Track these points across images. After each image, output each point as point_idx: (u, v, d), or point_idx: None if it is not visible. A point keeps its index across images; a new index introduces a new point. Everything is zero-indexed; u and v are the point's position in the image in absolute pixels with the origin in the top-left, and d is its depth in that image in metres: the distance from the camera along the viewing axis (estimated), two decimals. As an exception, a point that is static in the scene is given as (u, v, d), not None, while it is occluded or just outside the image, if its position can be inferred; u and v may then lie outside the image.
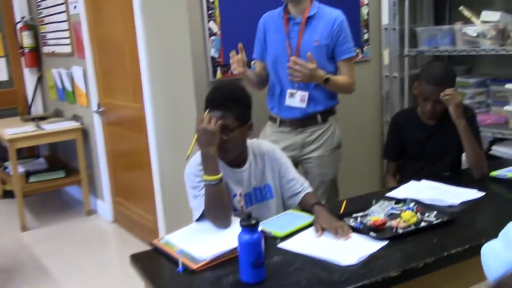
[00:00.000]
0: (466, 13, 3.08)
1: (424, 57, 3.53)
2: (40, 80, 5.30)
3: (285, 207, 2.09)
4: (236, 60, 2.39)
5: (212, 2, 2.75)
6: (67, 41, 4.43)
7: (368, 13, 3.37)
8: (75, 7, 4.15)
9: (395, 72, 3.44)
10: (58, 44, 4.64)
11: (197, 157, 1.96)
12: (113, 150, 4.08)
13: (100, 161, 4.21)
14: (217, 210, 1.83)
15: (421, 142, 2.43)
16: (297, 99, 2.48)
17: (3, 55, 5.29)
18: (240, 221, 1.48)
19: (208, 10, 2.75)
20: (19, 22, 5.13)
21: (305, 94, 2.47)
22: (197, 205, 1.90)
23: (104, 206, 4.34)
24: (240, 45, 2.42)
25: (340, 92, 2.57)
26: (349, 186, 2.89)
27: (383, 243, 1.64)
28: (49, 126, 4.35)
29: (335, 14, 2.46)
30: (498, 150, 3.03)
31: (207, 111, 1.89)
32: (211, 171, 1.82)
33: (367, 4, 3.36)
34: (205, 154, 1.84)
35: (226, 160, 1.99)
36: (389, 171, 2.56)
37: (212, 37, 2.79)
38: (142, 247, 3.68)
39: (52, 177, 4.49)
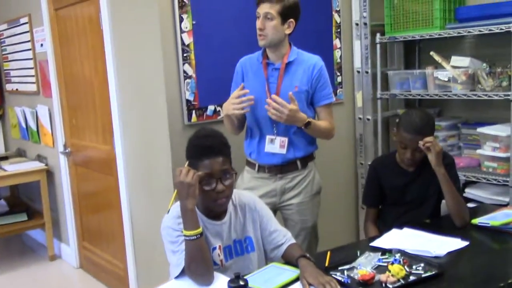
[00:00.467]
0: (437, 58, 3.15)
1: (396, 100, 3.58)
2: (1, 118, 5.11)
3: (268, 259, 2.02)
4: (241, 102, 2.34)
5: (187, 45, 2.72)
6: (33, 79, 4.30)
7: (341, 57, 3.41)
8: (41, 45, 4.05)
9: (368, 114, 3.46)
10: (23, 82, 4.51)
11: (174, 210, 1.89)
12: (79, 192, 3.93)
13: (66, 203, 4.05)
14: (198, 266, 1.75)
15: (400, 189, 2.41)
16: (276, 145, 2.44)
17: (-37, 92, 5.09)
18: (229, 282, 1.40)
19: (183, 53, 2.71)
20: (-19, 58, 4.98)
21: (285, 139, 2.43)
22: (176, 261, 1.81)
23: (69, 250, 4.14)
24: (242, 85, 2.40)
25: (319, 137, 2.54)
26: (325, 229, 2.84)
27: (375, 300, 1.59)
28: (11, 167, 4.17)
29: (315, 60, 2.45)
30: (471, 192, 3.06)
31: (187, 163, 1.82)
32: (191, 225, 1.75)
33: (339, 48, 3.40)
34: (184, 208, 1.77)
35: (223, 208, 1.94)
36: (369, 217, 2.52)
37: (187, 80, 2.74)
38: (110, 295, 3.55)
39: (14, 221, 4.27)
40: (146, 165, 2.99)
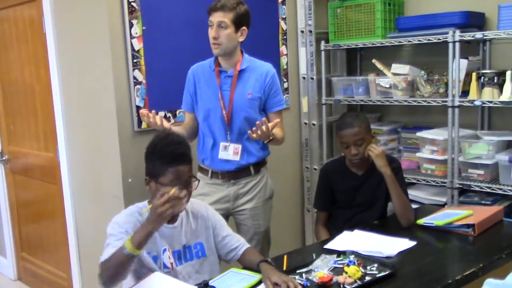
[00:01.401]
0: (379, 65, 3.29)
1: (339, 105, 3.70)
2: None
3: (225, 263, 2.05)
4: (154, 124, 2.31)
5: (137, 51, 2.69)
6: (-35, 83, 4.07)
7: (287, 63, 3.48)
8: (-25, 47, 3.85)
9: (313, 119, 3.56)
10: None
11: (129, 209, 1.94)
12: (18, 202, 3.76)
13: (2, 213, 3.87)
14: (117, 275, 1.75)
15: (350, 192, 2.51)
16: (230, 152, 2.46)
17: None
18: (198, 289, 1.41)
19: (133, 59, 2.68)
20: None
21: (238, 146, 2.46)
22: (106, 253, 1.80)
23: (6, 262, 3.96)
24: (153, 111, 2.33)
25: (274, 145, 2.58)
26: (271, 232, 2.88)
27: (335, 301, 1.65)
28: None
29: (267, 68, 2.50)
30: (411, 194, 3.19)
31: (176, 188, 1.78)
32: (139, 245, 1.72)
33: (286, 55, 3.47)
34: (148, 228, 1.74)
35: (180, 212, 1.96)
36: (320, 221, 2.60)
37: (137, 86, 2.71)
38: (52, 307, 3.43)
39: None
40: (93, 173, 2.92)
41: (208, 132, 2.50)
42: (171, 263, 1.92)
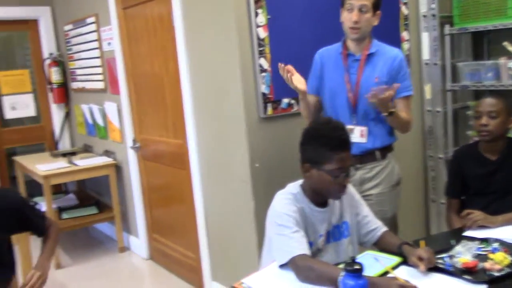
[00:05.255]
0: (511, 48, 3.10)
1: (464, 92, 3.54)
2: (67, 115, 5.30)
3: (360, 244, 2.07)
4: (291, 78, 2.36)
5: (263, 39, 2.77)
6: (100, 77, 4.44)
7: (409, 49, 3.39)
8: (109, 43, 4.18)
9: (437, 106, 3.44)
10: (90, 80, 4.66)
11: (285, 200, 1.93)
12: (149, 186, 4.04)
13: (135, 197, 4.17)
14: (316, 284, 1.72)
15: (484, 178, 2.41)
16: (356, 134, 2.46)
17: (31, 91, 5.30)
18: (345, 265, 1.44)
19: (258, 47, 2.76)
20: (47, 58, 5.18)
21: (364, 129, 2.46)
22: (287, 247, 1.80)
23: (139, 242, 4.28)
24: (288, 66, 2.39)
25: (398, 129, 2.54)
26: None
27: (482, 287, 1.59)
28: (82, 162, 4.32)
29: (395, 52, 2.47)
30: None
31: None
32: None
33: (407, 40, 3.39)
34: None
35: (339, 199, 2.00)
36: (452, 208, 2.52)
37: (263, 74, 2.79)
38: (181, 284, 3.65)
39: (85, 214, 4.42)
40: (221, 158, 3.06)
41: (333, 115, 2.50)
42: (322, 245, 1.98)
